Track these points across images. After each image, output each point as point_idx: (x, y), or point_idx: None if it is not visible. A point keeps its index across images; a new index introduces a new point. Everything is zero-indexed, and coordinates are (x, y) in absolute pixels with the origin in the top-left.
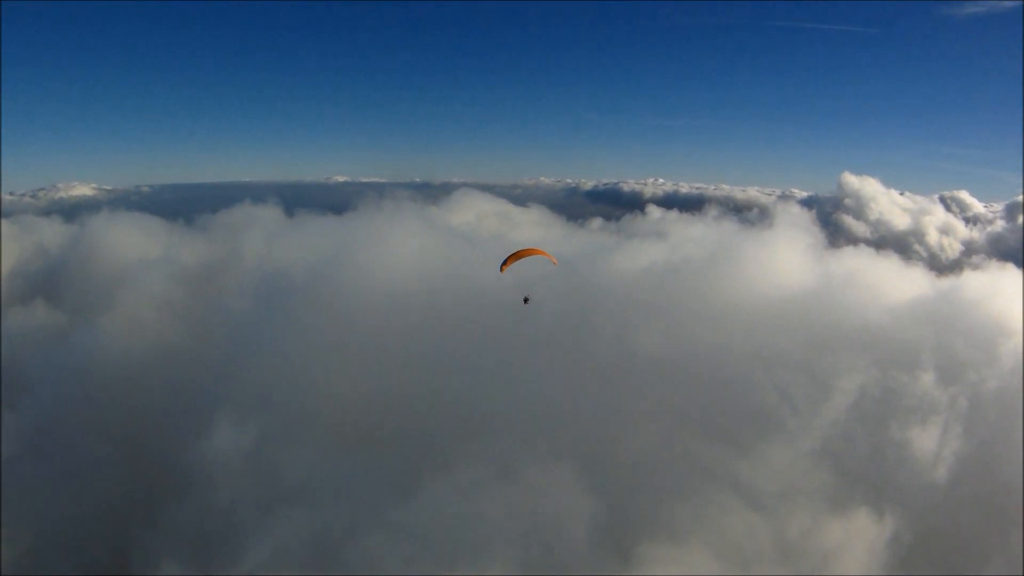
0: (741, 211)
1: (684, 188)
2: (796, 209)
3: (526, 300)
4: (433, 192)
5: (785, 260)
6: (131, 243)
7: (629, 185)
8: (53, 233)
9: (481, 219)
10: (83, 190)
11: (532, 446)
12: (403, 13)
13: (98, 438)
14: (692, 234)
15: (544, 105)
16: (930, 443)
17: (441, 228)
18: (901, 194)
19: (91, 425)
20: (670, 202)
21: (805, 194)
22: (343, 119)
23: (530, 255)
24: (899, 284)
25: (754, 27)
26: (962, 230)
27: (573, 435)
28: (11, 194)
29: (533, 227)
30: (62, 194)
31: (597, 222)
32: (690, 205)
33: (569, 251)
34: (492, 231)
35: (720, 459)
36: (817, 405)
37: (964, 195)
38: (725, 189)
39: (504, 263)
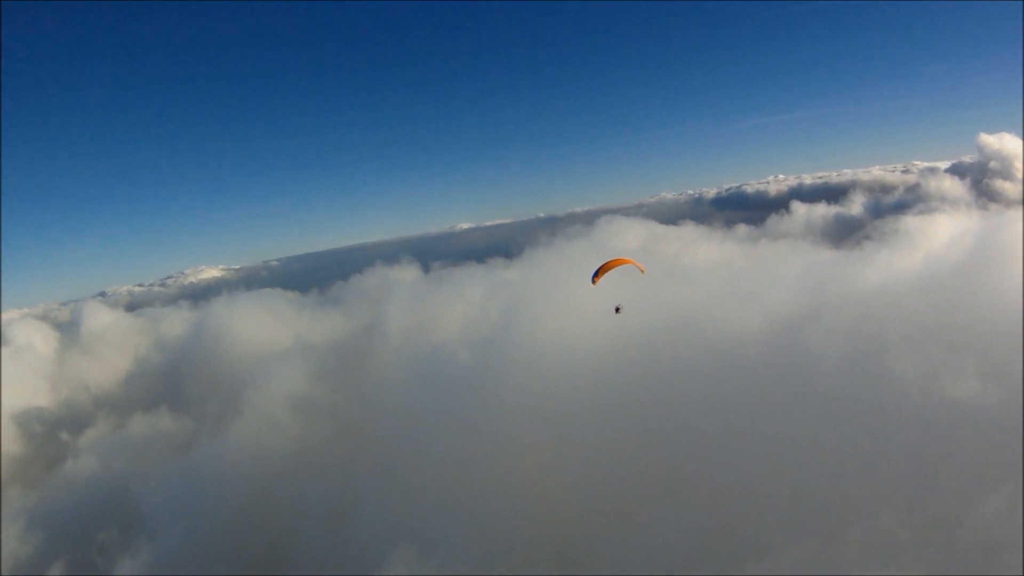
0: (888, 192)
1: (808, 180)
2: (948, 181)
3: (617, 310)
4: (570, 224)
5: None
6: (258, 326)
7: (752, 186)
8: (181, 322)
9: (647, 246)
10: (211, 272)
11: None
12: (496, 54)
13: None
14: (937, 233)
15: (648, 122)
16: None
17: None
18: None
19: (225, 557)
20: (798, 196)
21: (924, 164)
22: (457, 165)
23: (619, 265)
24: None
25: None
26: None
27: (903, 515)
28: (140, 285)
29: (705, 245)
30: (191, 279)
31: (741, 229)
32: (828, 196)
33: (786, 273)
34: (670, 257)
35: None
36: None
37: None
38: (848, 174)
39: (595, 276)
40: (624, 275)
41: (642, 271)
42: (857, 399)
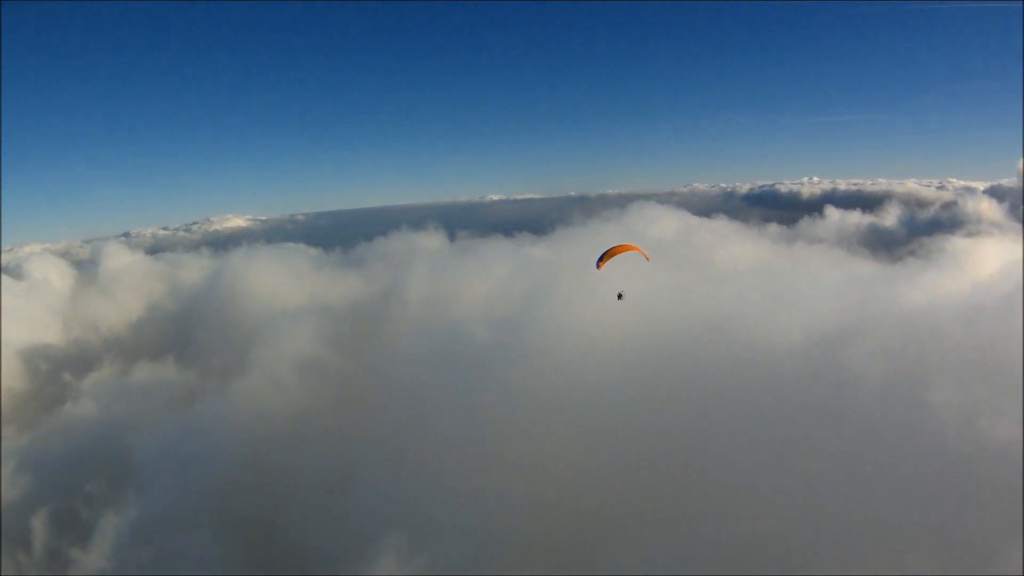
0: (923, 207)
1: (842, 186)
2: (986, 203)
3: (620, 296)
4: (600, 206)
5: None
6: (274, 281)
7: (785, 186)
8: (199, 269)
9: (681, 236)
10: (237, 222)
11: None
12: (539, 30)
13: (217, 544)
14: (985, 259)
15: (684, 111)
16: None
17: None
18: None
19: (213, 519)
20: (832, 201)
21: (961, 183)
22: (491, 136)
23: (625, 251)
24: None
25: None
26: None
27: (926, 554)
28: (165, 228)
29: (739, 241)
30: (216, 227)
31: (774, 228)
32: (862, 204)
33: (826, 282)
34: (704, 249)
35: None
36: None
37: None
38: (882, 184)
39: (600, 260)
40: (641, 263)
41: (647, 258)
42: (892, 427)
